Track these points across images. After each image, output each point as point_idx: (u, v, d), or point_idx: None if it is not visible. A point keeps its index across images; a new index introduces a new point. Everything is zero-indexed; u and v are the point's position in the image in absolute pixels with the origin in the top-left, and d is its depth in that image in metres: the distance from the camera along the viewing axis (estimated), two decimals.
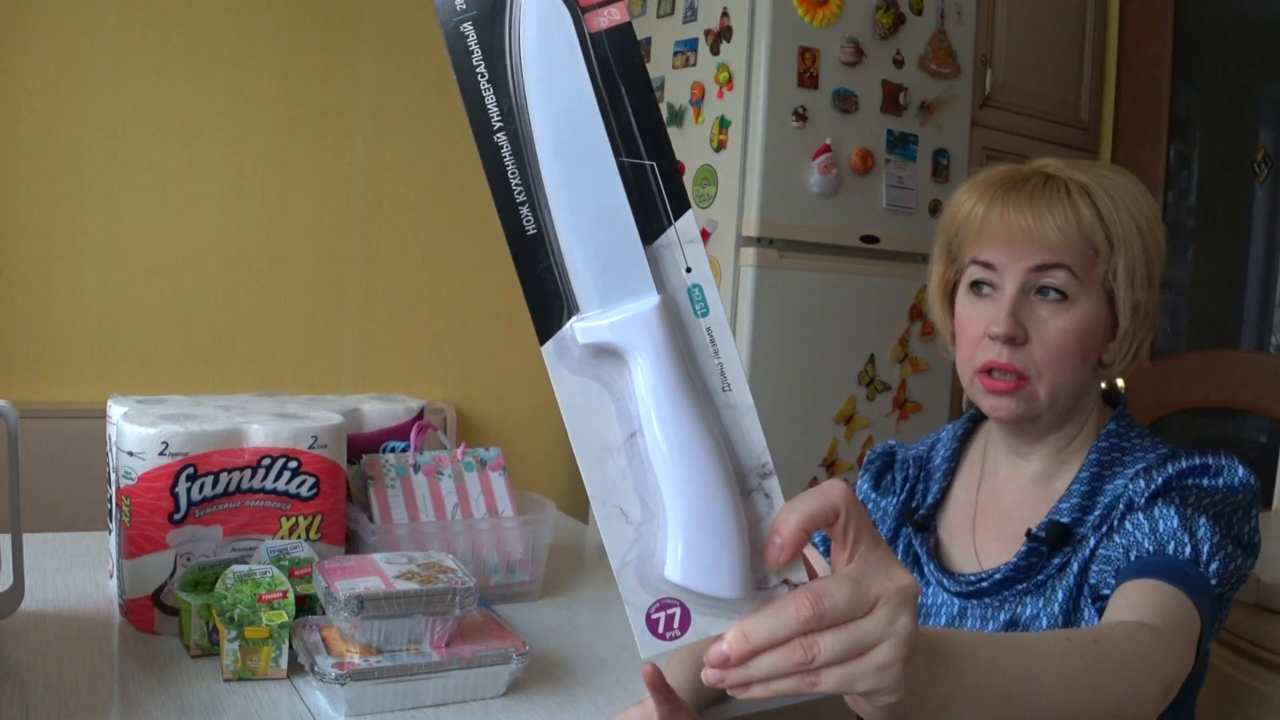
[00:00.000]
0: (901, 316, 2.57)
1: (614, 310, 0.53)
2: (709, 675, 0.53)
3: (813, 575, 0.55)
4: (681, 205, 0.53)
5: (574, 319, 0.53)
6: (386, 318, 2.74)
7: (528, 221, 0.53)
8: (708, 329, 0.54)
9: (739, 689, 0.53)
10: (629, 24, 0.53)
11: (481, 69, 0.53)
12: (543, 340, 0.53)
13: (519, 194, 0.53)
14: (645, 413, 0.53)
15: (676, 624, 0.54)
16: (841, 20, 2.42)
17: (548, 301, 0.53)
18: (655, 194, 0.53)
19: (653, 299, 0.53)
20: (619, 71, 0.53)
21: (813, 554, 0.56)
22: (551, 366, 0.53)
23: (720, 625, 0.53)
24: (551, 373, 0.53)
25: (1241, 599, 1.46)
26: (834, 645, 0.51)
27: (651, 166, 0.53)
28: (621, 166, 0.53)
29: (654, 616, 0.53)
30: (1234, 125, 3.00)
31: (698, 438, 0.52)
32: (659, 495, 0.53)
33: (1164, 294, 3.27)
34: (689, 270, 0.54)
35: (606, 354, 0.53)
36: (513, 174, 0.53)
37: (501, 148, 0.53)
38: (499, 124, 0.53)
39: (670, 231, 0.53)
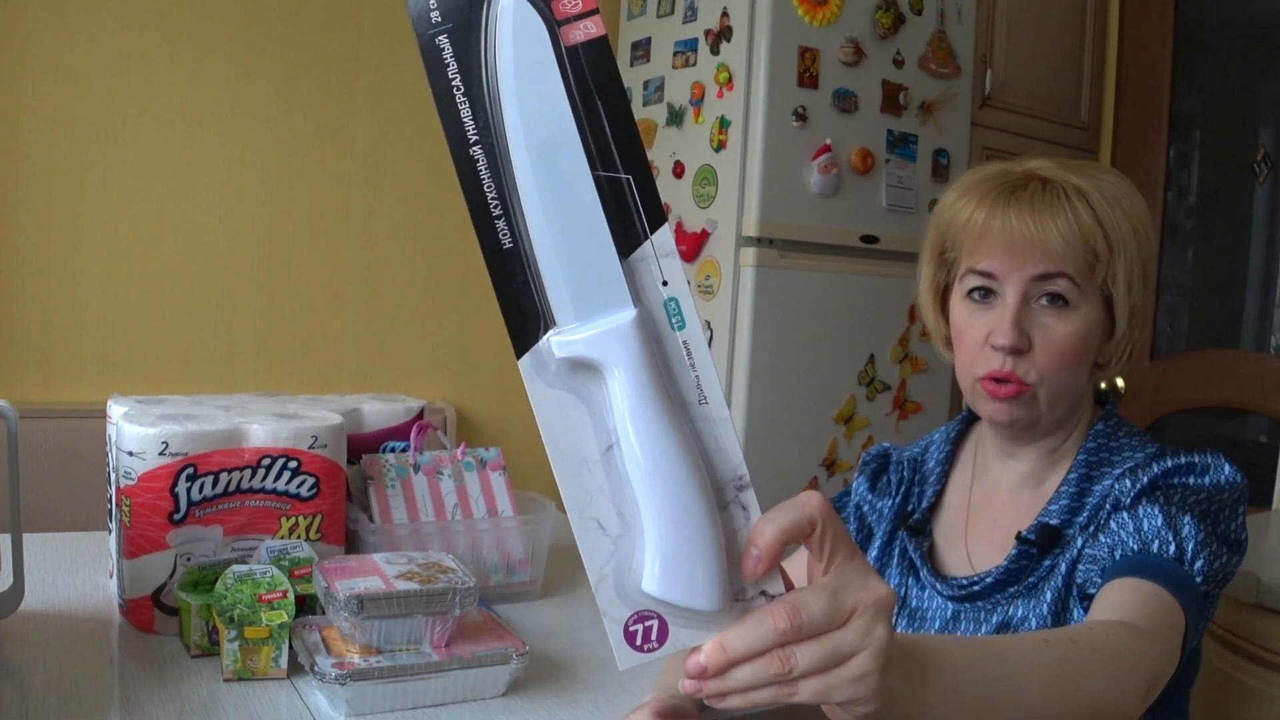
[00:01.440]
0: (901, 316, 2.57)
1: (590, 324, 0.53)
2: (686, 686, 0.53)
3: (789, 586, 0.55)
4: (657, 219, 0.53)
5: (550, 333, 0.53)
6: (386, 318, 2.74)
7: (504, 235, 0.53)
8: (684, 342, 0.54)
9: (715, 699, 0.53)
10: (605, 37, 0.53)
11: (457, 82, 0.53)
12: (519, 354, 0.53)
13: (495, 207, 0.53)
14: (622, 426, 0.53)
15: (654, 636, 0.54)
16: (841, 20, 2.42)
17: (524, 315, 0.53)
18: (631, 207, 0.53)
19: (629, 313, 0.53)
20: (595, 84, 0.53)
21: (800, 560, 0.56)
22: (528, 380, 0.53)
23: (698, 637, 0.53)
24: (528, 386, 0.53)
25: (1241, 599, 1.46)
26: (811, 656, 0.52)
27: (628, 180, 0.53)
28: (598, 180, 0.53)
29: (632, 629, 0.54)
30: (1234, 125, 3.00)
31: (674, 451, 0.52)
32: (636, 508, 0.53)
33: (1164, 294, 3.25)
34: (665, 284, 0.54)
35: (583, 368, 0.53)
36: (489, 187, 0.53)
37: (477, 161, 0.53)
38: (475, 137, 0.53)
39: (646, 245, 0.54)
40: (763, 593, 0.54)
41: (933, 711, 0.59)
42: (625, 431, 0.53)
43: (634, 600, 0.53)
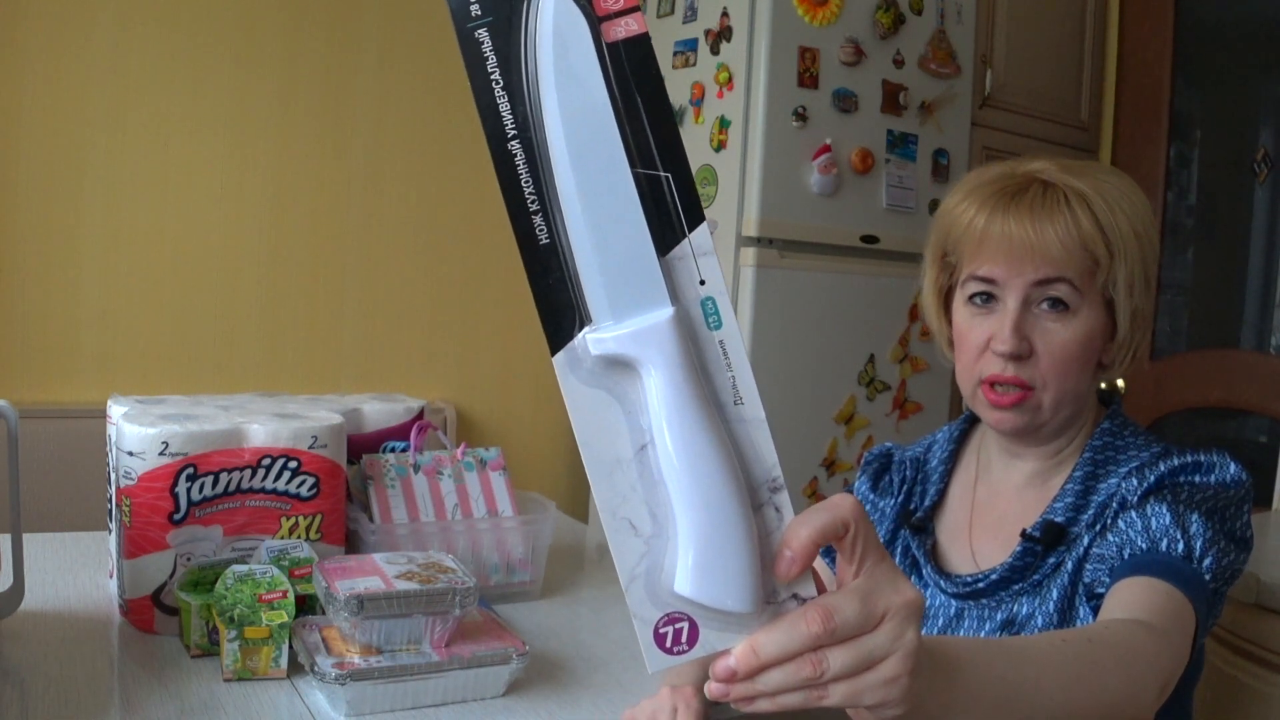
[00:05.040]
0: (901, 316, 2.57)
1: (627, 322, 0.52)
2: (713, 690, 0.53)
3: (820, 589, 0.55)
4: (696, 217, 0.53)
5: (586, 330, 0.53)
6: (386, 318, 2.74)
7: (541, 231, 0.53)
8: (720, 342, 0.54)
9: (743, 702, 0.53)
10: (646, 35, 0.53)
11: (496, 76, 0.52)
12: (554, 350, 0.53)
13: (532, 203, 0.52)
14: (657, 425, 0.52)
15: (684, 638, 0.53)
16: (841, 20, 2.42)
17: (559, 312, 0.53)
18: (670, 206, 0.53)
19: (666, 311, 0.52)
20: (635, 82, 0.53)
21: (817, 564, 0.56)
22: (562, 377, 0.53)
23: (728, 640, 0.53)
24: (562, 384, 0.53)
25: (1241, 599, 1.46)
26: (843, 660, 0.52)
27: (667, 178, 0.53)
28: (637, 177, 0.52)
29: (662, 631, 0.53)
30: (1234, 125, 3.00)
31: (709, 451, 0.52)
32: (669, 508, 0.53)
33: (1164, 294, 3.24)
34: (703, 283, 0.53)
35: (618, 366, 0.53)
36: (526, 182, 0.52)
37: (515, 155, 0.52)
38: (513, 131, 0.52)
39: (684, 244, 0.53)
40: (794, 595, 0.54)
41: (956, 712, 0.59)
42: (660, 431, 0.52)
43: (665, 602, 0.53)
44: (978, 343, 0.99)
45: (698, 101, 2.50)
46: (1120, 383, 2.78)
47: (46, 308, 2.37)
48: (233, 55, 2.50)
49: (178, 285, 2.50)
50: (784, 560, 0.53)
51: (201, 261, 2.52)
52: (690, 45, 2.54)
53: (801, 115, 2.38)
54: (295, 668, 1.05)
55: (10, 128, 2.31)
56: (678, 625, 0.53)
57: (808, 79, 2.39)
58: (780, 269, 2.39)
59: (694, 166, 2.51)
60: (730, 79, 2.39)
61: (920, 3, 2.55)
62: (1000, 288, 0.98)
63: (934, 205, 2.59)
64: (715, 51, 2.45)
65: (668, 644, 0.53)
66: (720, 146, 2.43)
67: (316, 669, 0.98)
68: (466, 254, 2.78)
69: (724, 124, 2.41)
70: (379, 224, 2.71)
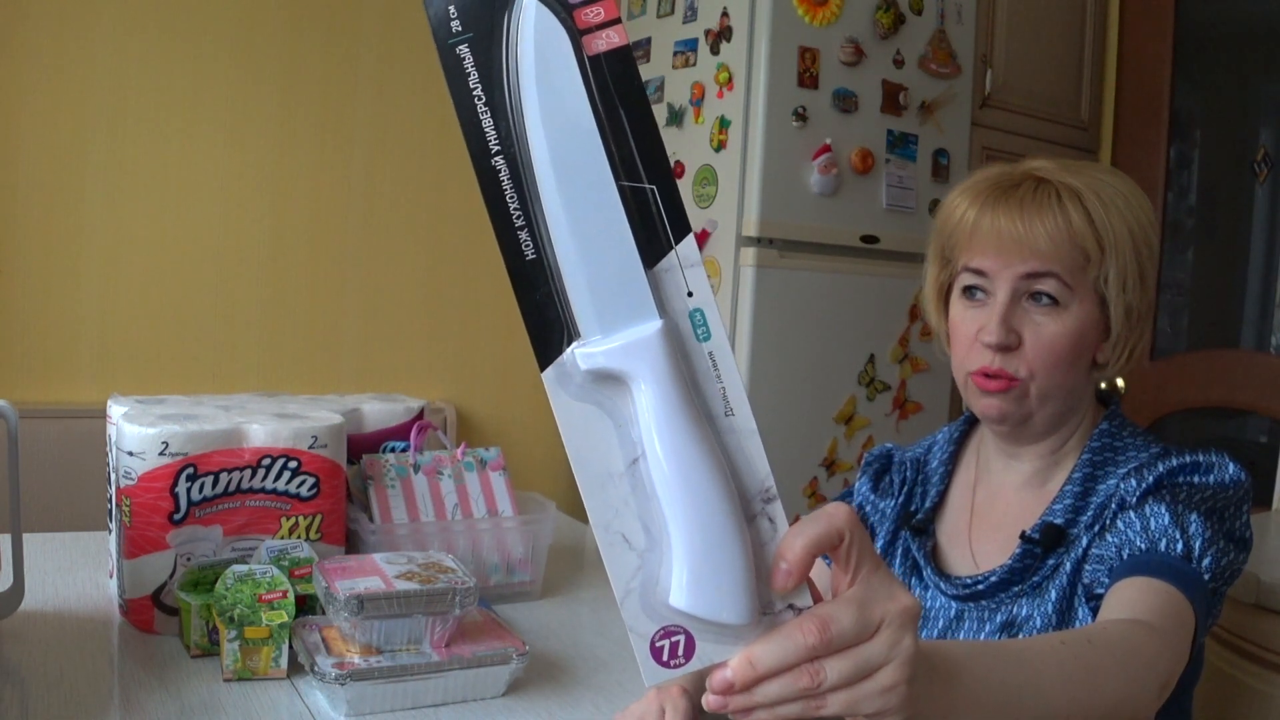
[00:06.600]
0: (901, 316, 2.57)
1: (615, 335, 0.52)
2: (711, 701, 0.53)
3: (816, 598, 0.55)
4: (682, 229, 0.53)
5: (575, 345, 0.53)
6: (386, 318, 2.74)
7: (526, 246, 0.52)
8: (709, 353, 0.53)
9: (741, 714, 0.53)
10: (627, 46, 0.52)
11: (478, 92, 0.52)
12: (543, 366, 0.53)
13: (517, 218, 0.52)
14: (648, 438, 0.52)
15: (681, 651, 0.53)
16: (841, 20, 2.42)
17: (548, 327, 0.53)
18: (656, 217, 0.53)
19: (654, 324, 0.52)
20: (618, 94, 0.52)
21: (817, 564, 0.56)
22: (552, 393, 0.53)
23: (724, 652, 0.53)
24: (552, 399, 0.53)
25: (1241, 599, 1.46)
26: (840, 670, 0.51)
27: (652, 190, 0.53)
28: (622, 190, 0.52)
29: (658, 644, 0.53)
30: (1234, 125, 3.00)
31: (701, 463, 0.52)
32: (662, 522, 0.53)
33: (1164, 294, 3.24)
34: (690, 294, 0.53)
35: (608, 380, 0.53)
36: (511, 198, 0.52)
37: (499, 171, 0.52)
38: (496, 148, 0.52)
39: (671, 255, 0.53)
40: (790, 606, 0.54)
41: (956, 716, 0.59)
42: (651, 444, 0.52)
43: (660, 615, 0.53)
44: (968, 335, 1.00)
45: (698, 101, 2.50)
46: (1120, 383, 2.79)
47: (46, 308, 2.37)
48: (233, 56, 2.51)
49: (178, 285, 2.50)
50: (780, 572, 0.53)
51: (201, 262, 2.52)
52: (690, 45, 2.54)
53: (801, 115, 2.38)
54: (295, 668, 1.05)
55: (11, 128, 2.31)
56: (674, 638, 0.53)
57: (808, 79, 2.39)
58: (780, 269, 2.39)
59: (694, 166, 2.51)
60: (730, 79, 2.39)
61: (920, 3, 2.55)
62: (990, 280, 0.98)
63: (934, 205, 2.59)
64: (715, 51, 2.45)
65: (664, 657, 0.53)
66: (720, 146, 2.43)
67: (316, 669, 0.98)
68: (466, 254, 2.78)
69: (724, 124, 2.41)
70: (379, 224, 2.71)
